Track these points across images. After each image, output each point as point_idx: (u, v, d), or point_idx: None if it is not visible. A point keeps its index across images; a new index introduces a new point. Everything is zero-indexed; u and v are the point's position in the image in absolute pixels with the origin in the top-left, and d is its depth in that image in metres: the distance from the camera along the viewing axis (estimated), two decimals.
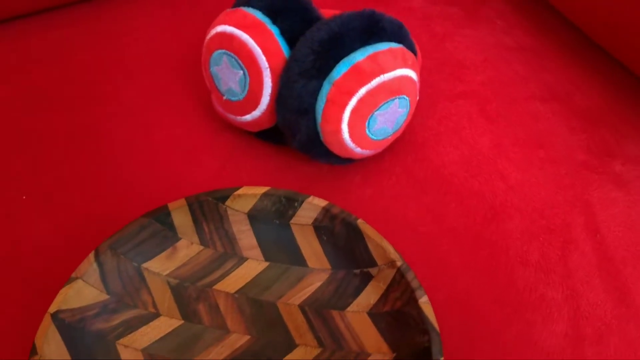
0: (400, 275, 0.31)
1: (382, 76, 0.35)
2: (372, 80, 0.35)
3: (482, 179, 0.41)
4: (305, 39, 0.36)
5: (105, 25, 0.50)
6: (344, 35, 0.35)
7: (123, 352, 0.31)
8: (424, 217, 0.38)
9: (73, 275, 0.31)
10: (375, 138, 0.38)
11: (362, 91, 0.35)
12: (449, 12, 0.53)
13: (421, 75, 0.43)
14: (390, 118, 0.38)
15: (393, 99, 0.36)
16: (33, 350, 0.28)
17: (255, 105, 0.38)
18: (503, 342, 0.33)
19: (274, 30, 0.37)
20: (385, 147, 0.40)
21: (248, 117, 0.39)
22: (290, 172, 0.40)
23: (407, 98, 0.37)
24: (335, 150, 0.38)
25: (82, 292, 0.31)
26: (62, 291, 0.30)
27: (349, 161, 0.40)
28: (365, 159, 0.41)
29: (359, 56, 0.35)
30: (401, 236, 0.37)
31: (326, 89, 0.35)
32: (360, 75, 0.35)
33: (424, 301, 0.30)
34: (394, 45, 0.36)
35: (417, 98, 0.40)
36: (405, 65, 0.36)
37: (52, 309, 0.30)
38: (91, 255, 0.32)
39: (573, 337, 0.33)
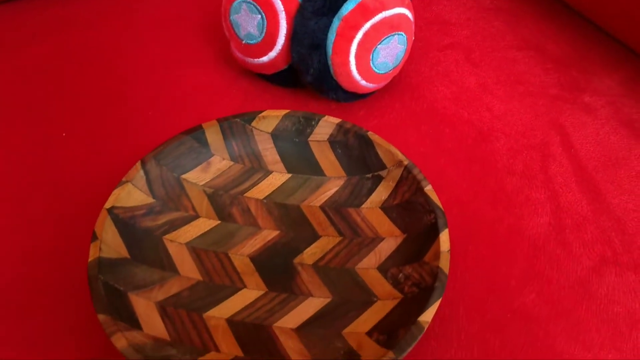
0: (407, 172, 0.36)
1: (384, 12, 0.41)
2: (375, 15, 0.41)
3: (470, 110, 0.46)
4: None
5: None
6: None
7: (169, 246, 0.36)
8: (422, 141, 0.44)
9: (123, 179, 0.35)
10: (378, 71, 0.43)
11: (367, 25, 0.41)
12: None
13: (415, 29, 0.49)
14: (391, 53, 0.43)
15: (393, 35, 0.42)
16: (94, 237, 0.33)
17: (272, 46, 0.44)
18: (497, 233, 0.38)
19: None
20: (385, 82, 0.45)
21: (265, 59, 0.45)
22: (302, 110, 0.45)
23: (405, 35, 0.43)
24: (344, 82, 0.43)
25: (132, 194, 0.36)
26: (115, 192, 0.35)
27: (354, 97, 0.46)
28: (368, 96, 0.46)
29: None
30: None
31: (335, 24, 0.41)
32: (365, 11, 0.40)
33: (429, 189, 0.35)
34: None
35: (413, 38, 0.45)
36: (402, 4, 0.42)
37: (108, 205, 0.34)
38: (138, 164, 0.36)
39: (556, 226, 0.38)
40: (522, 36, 0.54)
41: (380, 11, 0.41)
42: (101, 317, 0.29)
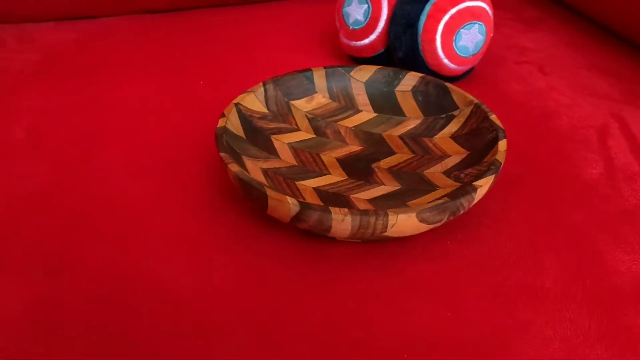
0: (476, 107, 0.44)
1: (468, 2, 0.51)
2: (460, 3, 0.50)
3: (539, 100, 0.53)
4: None
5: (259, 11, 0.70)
6: None
7: (275, 141, 0.44)
8: (502, 116, 0.51)
9: (249, 90, 0.46)
10: (460, 53, 0.52)
11: (453, 10, 0.50)
12: (516, 21, 0.69)
13: (496, 49, 0.58)
14: (472, 39, 0.52)
15: (474, 23, 0.51)
16: (222, 116, 0.42)
17: (373, 30, 0.54)
18: (553, 174, 0.43)
19: None
20: (465, 68, 0.54)
21: (366, 41, 0.55)
22: None
23: (485, 27, 0.52)
24: (429, 59, 0.52)
25: (253, 101, 0.45)
26: (242, 95, 0.45)
27: None
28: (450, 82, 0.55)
29: None
30: None
31: (427, 7, 0.51)
32: None
33: (493, 117, 0.42)
34: None
35: (492, 35, 0.54)
36: (484, 1, 0.52)
37: (236, 101, 0.44)
38: (261, 83, 0.46)
39: (608, 176, 0.43)
40: (593, 62, 0.61)
41: (465, 0, 0.51)
42: (222, 154, 0.38)
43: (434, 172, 0.42)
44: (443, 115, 0.46)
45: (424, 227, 0.35)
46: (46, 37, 0.64)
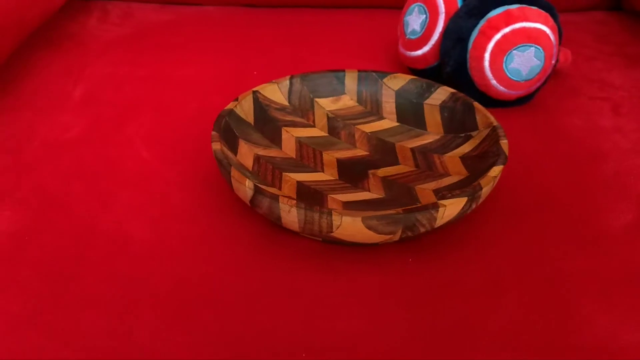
0: (492, 130, 0.41)
1: (525, 22, 0.47)
2: (517, 22, 0.47)
3: (595, 140, 0.48)
4: None
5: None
6: None
7: (284, 133, 0.45)
8: (536, 149, 0.47)
9: (273, 81, 0.47)
10: (510, 76, 0.49)
11: (507, 29, 0.47)
12: (616, 56, 0.63)
13: (573, 80, 0.54)
14: (526, 63, 0.48)
15: (530, 46, 0.48)
16: (235, 100, 0.44)
17: (427, 41, 0.53)
18: (564, 216, 0.39)
19: None
20: (517, 93, 0.50)
21: (419, 52, 0.54)
22: None
23: (543, 51, 0.48)
24: (476, 78, 0.50)
25: (274, 92, 0.46)
26: (264, 85, 0.46)
27: (485, 102, 0.51)
28: (500, 107, 0.51)
29: (512, 6, 0.48)
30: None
31: (481, 23, 0.48)
32: (509, 17, 0.47)
33: (504, 142, 0.39)
34: (542, 10, 0.48)
35: (553, 61, 0.50)
36: (545, 23, 0.48)
37: (255, 88, 0.45)
38: (288, 77, 0.47)
39: (629, 231, 0.38)
40: None
41: (522, 20, 0.47)
42: (213, 133, 0.39)
43: (426, 188, 0.40)
44: (462, 134, 0.44)
45: (377, 237, 0.33)
46: (146, 16, 0.71)
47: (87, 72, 0.57)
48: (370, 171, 0.42)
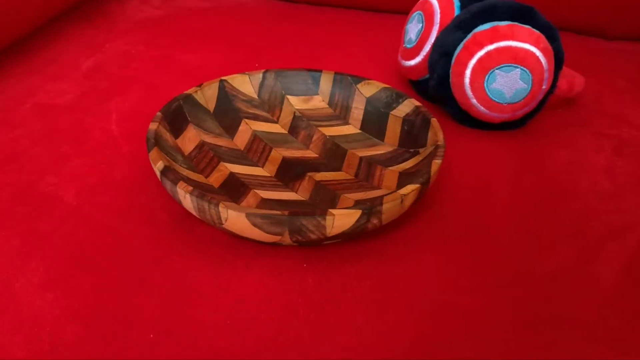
0: (435, 148, 0.39)
1: (512, 41, 0.44)
2: (502, 40, 0.44)
3: (575, 177, 0.44)
4: (471, 4, 0.47)
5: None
6: (498, 7, 0.46)
7: (242, 125, 0.46)
8: (509, 178, 0.44)
9: (246, 73, 0.47)
10: (491, 96, 0.46)
11: (491, 47, 0.45)
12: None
13: (584, 112, 0.50)
14: (510, 85, 0.45)
15: (515, 66, 0.45)
16: (199, 86, 0.45)
17: (419, 52, 0.51)
18: (490, 252, 0.36)
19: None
20: (499, 116, 0.47)
21: (412, 62, 0.52)
22: None
23: (530, 74, 0.45)
24: (457, 94, 0.47)
25: (244, 83, 0.47)
26: (234, 75, 0.47)
27: (469, 122, 0.49)
28: (487, 128, 0.48)
29: (501, 23, 0.45)
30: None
31: (466, 38, 0.46)
32: (495, 34, 0.45)
33: (436, 162, 0.37)
34: (535, 30, 0.45)
35: (544, 87, 0.46)
36: (536, 45, 0.44)
37: (224, 77, 0.46)
38: (262, 70, 0.48)
39: (558, 279, 0.35)
40: None
41: (508, 39, 0.44)
42: (158, 113, 0.41)
43: (350, 198, 0.39)
44: (412, 150, 0.42)
45: (265, 235, 0.33)
46: (186, 2, 0.74)
47: (105, 48, 0.61)
48: (309, 174, 0.41)
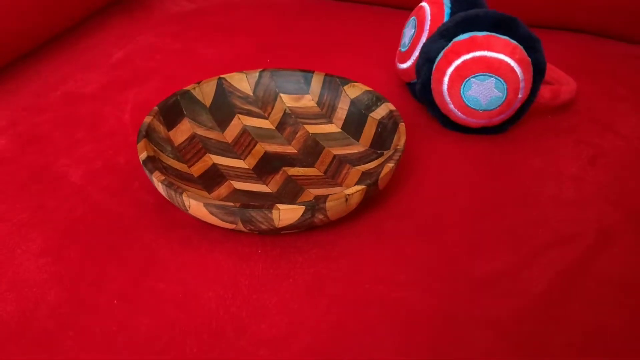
0: (394, 152, 0.42)
1: (487, 52, 0.46)
2: (478, 50, 0.46)
3: (538, 187, 0.46)
4: (457, 14, 0.49)
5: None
6: (480, 18, 0.48)
7: (235, 120, 0.50)
8: (475, 182, 0.46)
9: (244, 71, 0.52)
10: (467, 103, 0.48)
11: (468, 56, 0.47)
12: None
13: (576, 119, 0.52)
14: (485, 93, 0.47)
15: (490, 76, 0.47)
16: (197, 83, 0.50)
17: (410, 56, 0.53)
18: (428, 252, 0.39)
19: (446, 5, 0.51)
20: (477, 122, 0.49)
21: (404, 65, 0.55)
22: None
23: (504, 83, 0.47)
24: (437, 100, 0.50)
25: (241, 81, 0.52)
26: (233, 74, 0.52)
27: (452, 125, 0.51)
28: (467, 132, 0.50)
29: (479, 34, 0.47)
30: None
31: (446, 47, 0.48)
32: (472, 44, 0.47)
33: (388, 165, 0.40)
34: (512, 41, 0.47)
35: (520, 96, 0.48)
36: (511, 56, 0.46)
37: (223, 75, 0.51)
38: (258, 70, 0.52)
39: (498, 278, 0.37)
40: None
41: (484, 49, 0.46)
42: (155, 107, 0.46)
43: (314, 193, 0.43)
44: (379, 152, 0.45)
45: (223, 223, 0.38)
46: None
47: (136, 40, 0.67)
48: (284, 168, 0.46)
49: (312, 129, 0.50)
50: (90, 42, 0.67)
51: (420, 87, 0.51)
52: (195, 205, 0.37)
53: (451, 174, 0.47)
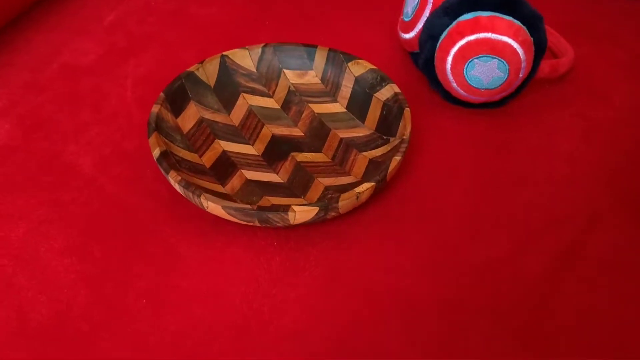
0: (400, 142, 0.43)
1: (491, 34, 0.46)
2: (482, 32, 0.46)
3: (533, 162, 0.48)
4: None
5: None
6: None
7: (240, 99, 0.51)
8: (469, 159, 0.48)
9: (246, 47, 0.51)
10: (470, 82, 0.49)
11: (472, 37, 0.47)
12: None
13: (576, 87, 0.53)
14: (487, 73, 0.48)
15: (493, 57, 0.47)
16: (200, 62, 0.49)
17: (413, 27, 0.53)
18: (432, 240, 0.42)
19: None
20: (478, 99, 0.50)
21: (407, 36, 0.54)
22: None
23: (507, 65, 0.47)
24: (440, 77, 0.50)
25: (244, 58, 0.51)
26: (235, 50, 0.51)
27: (452, 99, 0.52)
28: (470, 107, 0.51)
29: (483, 14, 0.47)
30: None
31: (450, 26, 0.48)
32: (476, 25, 0.47)
33: (396, 158, 0.41)
34: (516, 21, 0.47)
35: (522, 75, 0.49)
36: (515, 38, 0.46)
37: (225, 53, 0.51)
38: (261, 44, 0.52)
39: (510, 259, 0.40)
40: None
41: (488, 31, 0.46)
42: (161, 94, 0.46)
43: (322, 182, 0.44)
44: (385, 137, 0.46)
45: (239, 221, 0.39)
46: None
47: (126, 1, 0.65)
48: (292, 153, 0.47)
49: (318, 108, 0.50)
50: (75, 3, 0.64)
51: (423, 62, 0.51)
52: (214, 207, 0.39)
53: (452, 154, 0.48)
